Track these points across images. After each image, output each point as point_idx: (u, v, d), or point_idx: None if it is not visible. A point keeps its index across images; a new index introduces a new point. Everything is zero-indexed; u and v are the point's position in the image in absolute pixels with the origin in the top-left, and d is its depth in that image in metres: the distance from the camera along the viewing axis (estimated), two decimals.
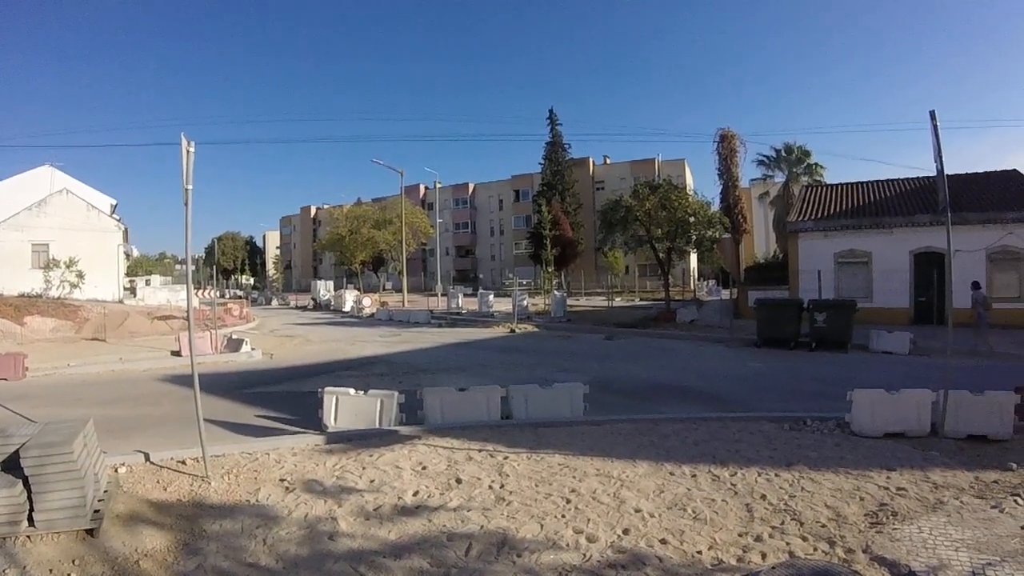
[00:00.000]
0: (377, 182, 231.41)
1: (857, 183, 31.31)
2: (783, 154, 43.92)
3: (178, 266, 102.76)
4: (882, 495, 6.44)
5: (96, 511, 5.80)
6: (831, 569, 3.42)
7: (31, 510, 5.54)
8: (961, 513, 5.88)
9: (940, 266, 22.60)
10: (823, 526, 5.69)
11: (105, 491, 6.33)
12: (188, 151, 7.37)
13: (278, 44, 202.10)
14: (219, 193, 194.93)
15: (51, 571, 5.09)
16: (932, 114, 8.74)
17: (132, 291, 46.44)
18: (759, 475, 7.18)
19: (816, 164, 43.18)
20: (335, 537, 5.70)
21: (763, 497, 6.45)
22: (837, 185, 32.34)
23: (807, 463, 7.58)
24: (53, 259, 34.74)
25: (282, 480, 7.30)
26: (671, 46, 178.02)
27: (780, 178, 44.82)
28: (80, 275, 34.06)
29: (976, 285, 19.73)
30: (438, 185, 62.19)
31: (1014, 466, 7.28)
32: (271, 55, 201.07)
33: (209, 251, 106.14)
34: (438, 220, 61.06)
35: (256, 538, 5.70)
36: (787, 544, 5.33)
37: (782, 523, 5.79)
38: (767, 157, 44.79)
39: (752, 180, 49.09)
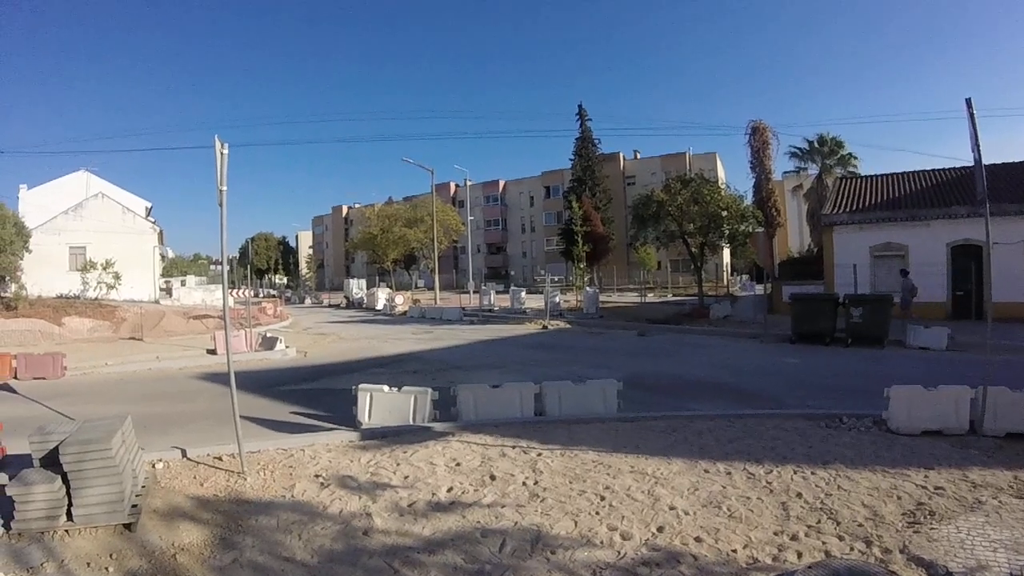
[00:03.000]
0: (408, 181, 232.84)
1: (892, 174, 30.65)
2: (816, 146, 43.26)
3: (213, 266, 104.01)
4: (920, 494, 6.34)
5: (134, 506, 5.93)
6: (868, 569, 3.38)
7: (70, 505, 5.69)
8: (1000, 513, 5.77)
9: (978, 259, 22.13)
10: (860, 525, 5.62)
11: (143, 486, 6.46)
12: (222, 153, 7.48)
13: (310, 46, 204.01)
14: (252, 194, 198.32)
15: (89, 564, 5.21)
16: (968, 102, 8.53)
17: (168, 291, 47.24)
18: (795, 473, 7.11)
19: (850, 155, 42.49)
20: (370, 533, 5.76)
21: (799, 495, 6.38)
22: (872, 177, 31.68)
23: (844, 461, 7.48)
24: (90, 261, 35.35)
25: (317, 476, 7.39)
26: (703, 41, 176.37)
27: (813, 170, 44.20)
28: (116, 276, 34.61)
29: (904, 273, 21.80)
30: (468, 183, 62.39)
31: None
32: (303, 57, 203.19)
33: (243, 251, 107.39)
34: (469, 218, 61.33)
35: (292, 533, 5.79)
36: (823, 543, 5.27)
37: (818, 522, 5.72)
38: (800, 149, 44.17)
39: (785, 173, 48.55)
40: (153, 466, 7.65)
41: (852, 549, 5.16)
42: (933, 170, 29.96)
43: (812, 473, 7.08)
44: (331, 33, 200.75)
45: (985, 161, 8.73)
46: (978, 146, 8.56)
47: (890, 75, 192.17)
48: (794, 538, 5.40)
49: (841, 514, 5.87)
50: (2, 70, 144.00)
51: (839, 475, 6.98)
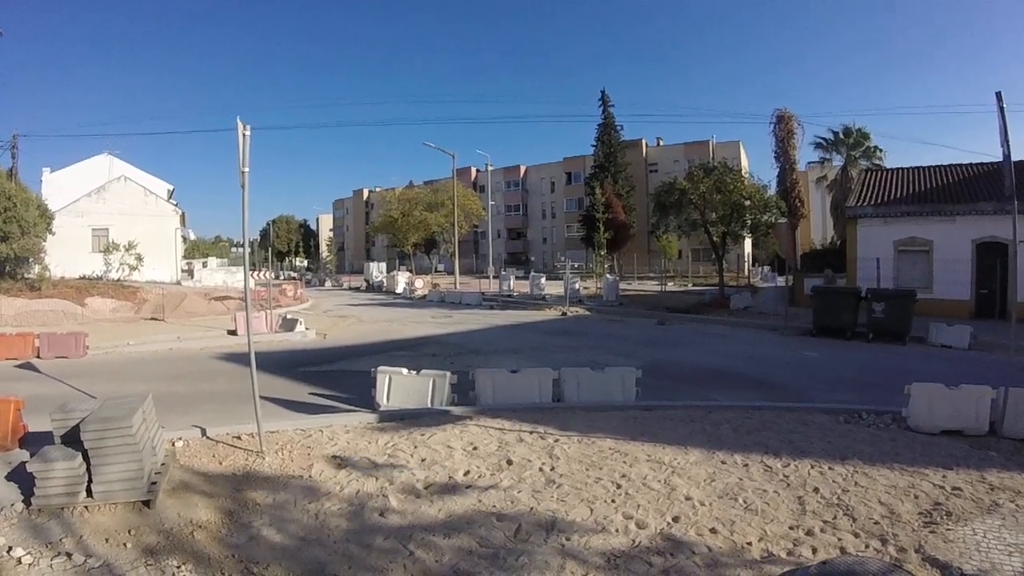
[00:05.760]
0: (429, 165, 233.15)
1: (918, 168, 29.97)
2: (841, 137, 42.42)
3: (234, 248, 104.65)
4: (937, 494, 6.30)
5: (153, 483, 6.04)
6: (883, 568, 3.35)
7: (89, 481, 5.80)
8: (1016, 517, 5.72)
9: (1004, 257, 21.75)
10: (876, 523, 5.60)
11: (162, 464, 6.58)
12: (244, 135, 7.55)
13: (331, 30, 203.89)
14: (273, 177, 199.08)
15: (107, 540, 5.31)
16: (998, 95, 8.40)
17: (189, 273, 47.45)
18: (812, 467, 7.08)
19: (875, 147, 41.64)
20: (385, 513, 5.83)
21: (816, 490, 6.37)
22: (897, 170, 31.03)
23: (862, 457, 7.44)
24: (113, 243, 35.60)
25: (335, 457, 7.48)
26: (729, 30, 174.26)
27: (838, 161, 43.41)
28: (139, 258, 34.85)
29: (829, 271, 22.80)
30: (490, 167, 62.03)
31: None
32: (324, 41, 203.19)
33: (264, 234, 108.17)
34: (490, 202, 61.02)
35: (308, 512, 5.87)
36: (839, 540, 5.26)
37: (834, 518, 5.71)
38: (824, 139, 43.29)
39: (809, 163, 47.62)
40: (173, 444, 7.77)
41: (867, 547, 5.15)
42: (960, 165, 29.19)
43: (830, 468, 7.05)
44: (356, 18, 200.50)
45: (1015, 157, 8.58)
46: (1007, 141, 8.42)
47: (919, 68, 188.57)
48: (809, 533, 5.39)
49: (857, 511, 5.85)
50: (26, 55, 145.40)
51: (857, 471, 6.95)
